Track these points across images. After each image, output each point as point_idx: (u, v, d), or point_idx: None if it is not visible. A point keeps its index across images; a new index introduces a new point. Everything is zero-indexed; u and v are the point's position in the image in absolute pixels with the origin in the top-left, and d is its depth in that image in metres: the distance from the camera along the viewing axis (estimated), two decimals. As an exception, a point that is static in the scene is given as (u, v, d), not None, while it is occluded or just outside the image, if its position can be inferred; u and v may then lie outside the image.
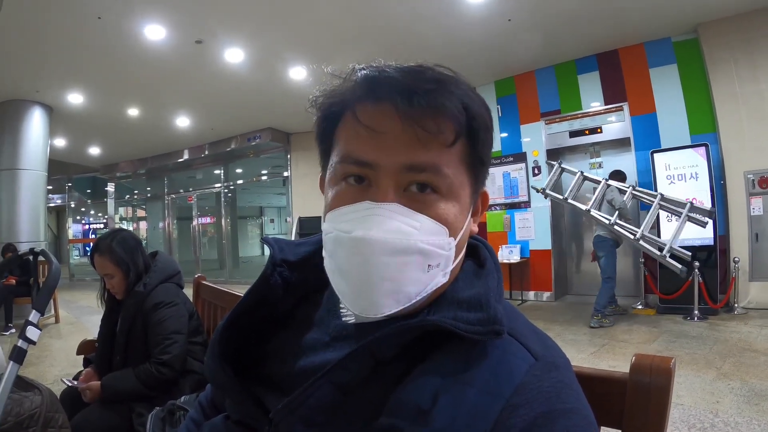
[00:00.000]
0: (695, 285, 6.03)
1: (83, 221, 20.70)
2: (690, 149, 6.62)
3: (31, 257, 2.27)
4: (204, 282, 2.79)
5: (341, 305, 0.78)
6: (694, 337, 5.27)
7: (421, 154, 0.65)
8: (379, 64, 0.69)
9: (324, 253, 0.72)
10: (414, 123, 0.64)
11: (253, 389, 0.76)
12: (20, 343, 1.63)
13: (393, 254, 0.63)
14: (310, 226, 11.39)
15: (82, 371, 2.48)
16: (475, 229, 0.78)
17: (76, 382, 2.31)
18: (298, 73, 8.11)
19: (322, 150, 0.77)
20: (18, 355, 1.61)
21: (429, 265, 0.66)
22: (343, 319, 0.77)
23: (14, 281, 7.19)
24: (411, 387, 0.62)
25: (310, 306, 0.84)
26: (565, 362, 0.68)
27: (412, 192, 0.67)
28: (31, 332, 1.64)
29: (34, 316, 1.68)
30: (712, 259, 6.38)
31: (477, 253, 0.80)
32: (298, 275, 0.86)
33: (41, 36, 6.38)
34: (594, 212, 6.09)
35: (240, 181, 14.68)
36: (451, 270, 0.70)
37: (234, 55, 7.29)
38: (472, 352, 0.63)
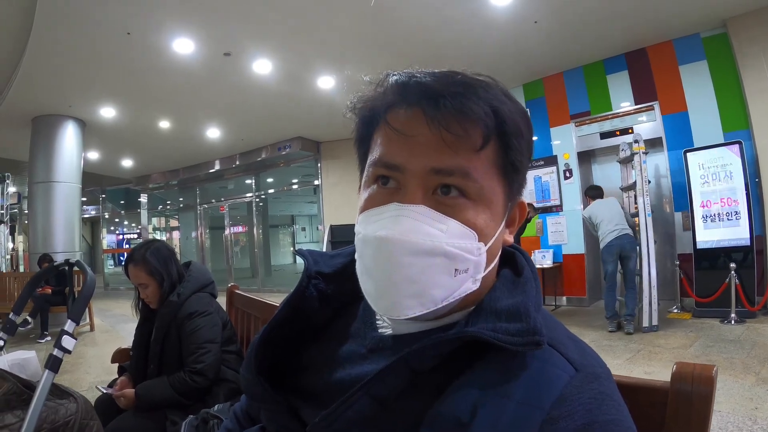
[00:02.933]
0: (732, 287, 5.88)
1: (117, 231, 21.04)
2: (723, 147, 6.45)
3: (66, 268, 2.31)
4: (237, 291, 2.83)
5: (377, 317, 0.78)
6: (732, 341, 5.13)
7: (448, 157, 0.65)
8: (411, 70, 0.70)
9: (356, 255, 0.72)
10: (441, 126, 0.64)
11: (289, 401, 0.77)
12: (56, 351, 1.66)
13: (417, 255, 0.63)
14: (341, 234, 11.33)
15: (116, 379, 2.52)
16: (510, 239, 0.77)
17: (110, 390, 2.34)
18: (326, 82, 8.15)
19: (360, 154, 0.78)
20: (53, 364, 1.64)
21: (456, 270, 0.65)
22: (380, 330, 0.77)
23: (50, 290, 7.35)
24: (450, 400, 0.61)
25: (346, 318, 0.85)
26: (606, 372, 0.66)
27: (440, 196, 0.66)
28: (67, 341, 1.67)
29: (69, 325, 1.71)
30: (748, 260, 6.19)
31: (513, 260, 0.79)
32: (333, 287, 0.86)
33: (73, 52, 6.55)
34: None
35: (271, 191, 14.83)
36: (482, 277, 0.69)
37: (262, 66, 7.36)
38: (512, 364, 0.62)
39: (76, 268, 2.26)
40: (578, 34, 6.84)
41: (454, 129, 0.64)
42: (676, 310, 6.76)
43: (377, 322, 0.78)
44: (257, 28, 6.21)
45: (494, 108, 0.66)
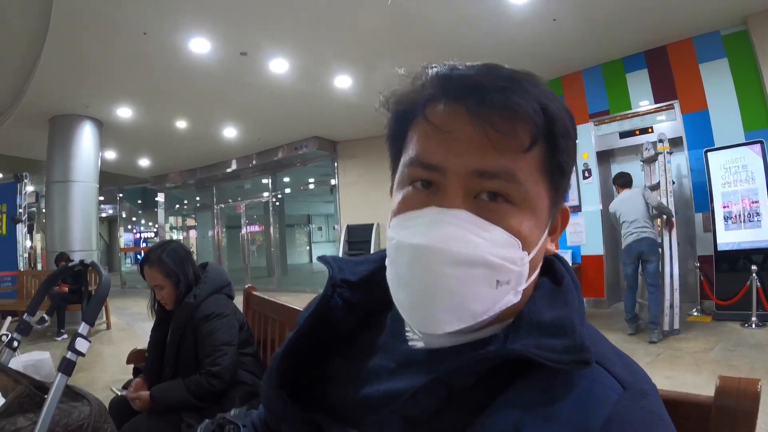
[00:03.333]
0: (753, 290, 5.76)
1: (134, 230, 21.24)
2: (745, 147, 6.32)
3: (84, 266, 2.29)
4: (254, 293, 2.80)
5: (407, 328, 0.73)
6: (754, 346, 5.03)
7: (493, 158, 0.60)
8: (452, 62, 0.66)
9: (387, 262, 0.68)
10: (486, 124, 0.59)
11: (312, 418, 0.72)
12: (69, 354, 1.65)
13: (457, 265, 0.58)
14: (358, 234, 11.37)
15: (132, 380, 2.51)
16: (553, 248, 0.73)
17: (126, 391, 2.33)
18: (343, 82, 8.12)
19: (393, 152, 0.73)
20: (67, 367, 1.63)
21: (498, 281, 0.60)
22: (410, 343, 0.72)
23: (67, 289, 7.41)
24: (489, 421, 0.56)
25: (373, 329, 0.80)
26: (653, 388, 0.62)
27: (482, 200, 0.62)
28: (81, 344, 1.65)
29: (83, 328, 1.69)
30: (771, 262, 6.05)
31: (552, 268, 0.74)
32: (359, 296, 0.81)
33: (89, 53, 6.58)
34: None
35: (287, 190, 14.84)
36: (524, 289, 0.64)
37: (279, 66, 7.34)
38: (556, 382, 0.57)
39: (91, 269, 2.25)
40: (597, 31, 6.74)
41: (501, 127, 0.59)
42: (696, 313, 6.64)
43: (407, 334, 0.73)
44: (274, 27, 6.19)
45: (543, 105, 0.61)
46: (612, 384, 0.58)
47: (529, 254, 0.63)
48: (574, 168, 0.69)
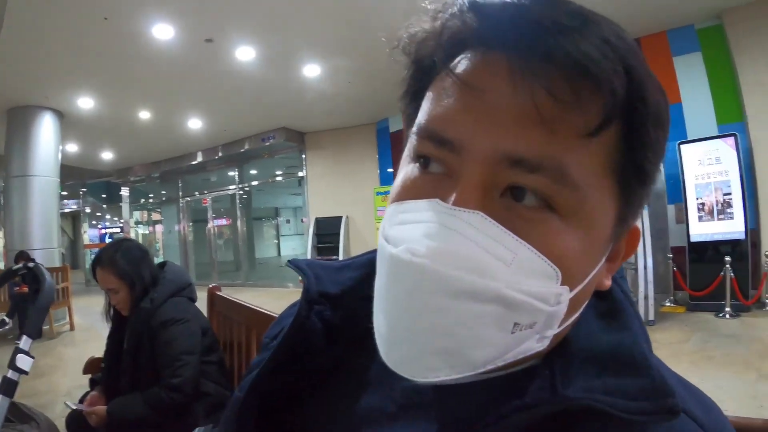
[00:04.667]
0: (727, 281, 5.82)
1: (99, 226, 20.71)
2: (718, 140, 6.38)
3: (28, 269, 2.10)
4: (219, 293, 2.61)
5: None
6: (729, 336, 5.08)
7: (538, 139, 0.40)
8: None
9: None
10: (535, 84, 0.39)
11: None
12: (10, 373, 1.46)
13: (456, 297, 0.40)
14: (327, 227, 11.27)
15: (88, 392, 2.33)
16: (609, 282, 0.51)
17: (81, 406, 2.16)
18: (312, 71, 7.94)
19: (406, 116, 0.52)
20: (8, 388, 1.44)
21: (516, 324, 0.41)
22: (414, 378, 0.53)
23: (26, 289, 7.12)
24: None
25: (362, 355, 0.58)
26: (730, 424, 0.47)
27: (510, 201, 0.43)
28: (22, 361, 1.47)
29: (25, 342, 1.50)
30: (743, 253, 6.13)
31: None
32: (342, 313, 0.61)
33: (48, 40, 6.27)
34: None
35: (255, 182, 14.57)
36: (555, 335, 0.45)
37: (245, 54, 7.13)
38: None
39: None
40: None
41: (559, 89, 0.39)
42: (669, 304, 6.71)
43: None
44: (240, 13, 5.96)
45: (629, 67, 0.40)
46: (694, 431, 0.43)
47: (571, 290, 0.43)
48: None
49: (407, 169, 0.48)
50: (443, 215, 0.41)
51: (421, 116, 0.46)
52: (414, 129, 0.47)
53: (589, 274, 0.45)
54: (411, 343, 0.43)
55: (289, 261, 0.68)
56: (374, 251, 0.52)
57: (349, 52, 7.10)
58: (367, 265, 0.57)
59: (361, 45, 6.75)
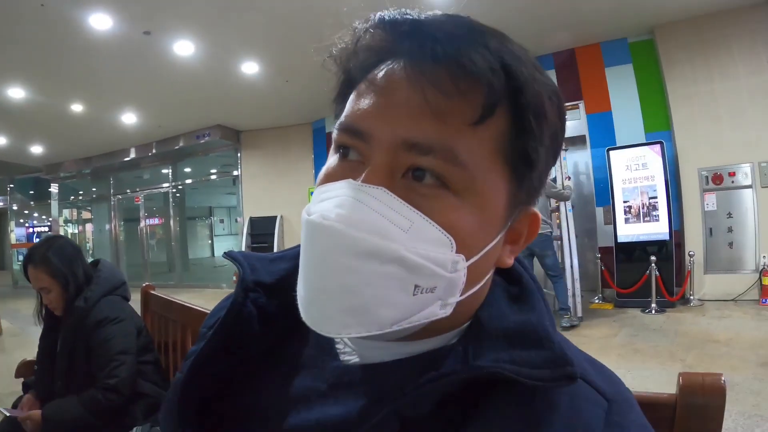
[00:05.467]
0: (652, 278, 6.15)
1: (27, 224, 19.82)
2: (645, 147, 6.74)
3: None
4: (153, 292, 2.55)
5: (337, 340, 0.60)
6: (655, 330, 5.35)
7: (429, 128, 0.47)
8: (408, 10, 0.53)
9: None
10: (425, 82, 0.47)
11: None
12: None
13: (360, 257, 0.46)
14: (262, 227, 11.18)
15: (22, 396, 2.25)
16: (510, 261, 0.58)
17: (15, 411, 2.08)
18: (250, 68, 7.88)
19: (335, 117, 0.58)
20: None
21: (417, 287, 0.47)
22: (342, 359, 0.59)
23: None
24: None
25: (296, 342, 0.65)
26: (632, 396, 0.54)
27: (411, 181, 0.49)
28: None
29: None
30: (667, 253, 6.50)
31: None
32: (277, 302, 0.65)
33: (-24, 24, 5.96)
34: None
35: (189, 181, 14.24)
36: (457, 302, 0.51)
37: (183, 48, 6.99)
38: (535, 403, 0.47)
39: None
40: (507, 31, 6.74)
41: (444, 86, 0.46)
42: (597, 301, 7.03)
43: (337, 347, 0.61)
44: (179, 6, 5.85)
45: (506, 65, 0.48)
46: (595, 398, 0.50)
47: (467, 259, 0.50)
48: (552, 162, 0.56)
49: (330, 159, 0.56)
50: (353, 190, 0.48)
51: (342, 115, 0.54)
52: (336, 125, 0.54)
53: (485, 247, 0.52)
54: (324, 301, 0.48)
55: (225, 252, 0.73)
56: None
57: (287, 52, 7.08)
58: (298, 256, 0.58)
59: (298, 45, 6.71)
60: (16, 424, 2.03)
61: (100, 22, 6.08)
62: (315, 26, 6.10)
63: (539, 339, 0.50)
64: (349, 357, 0.58)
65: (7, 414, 2.10)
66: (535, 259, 5.81)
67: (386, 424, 0.48)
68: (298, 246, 0.60)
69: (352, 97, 0.54)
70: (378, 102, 0.50)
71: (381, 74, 0.51)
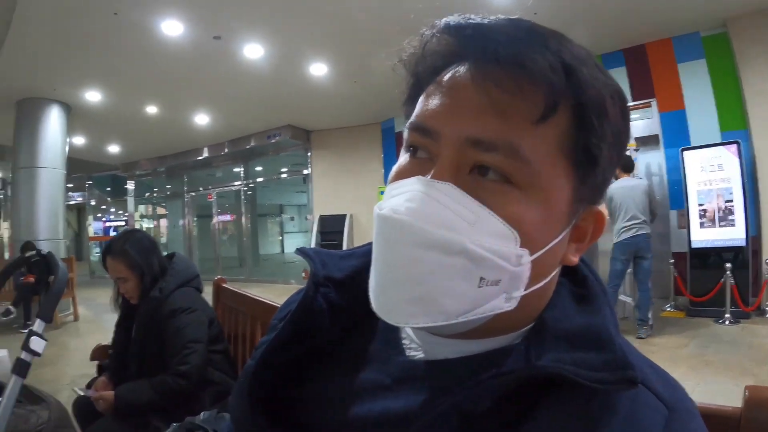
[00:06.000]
0: (727, 287, 5.81)
1: (104, 219, 20.80)
2: (721, 147, 6.37)
3: (39, 257, 2.14)
4: (224, 285, 2.65)
5: (403, 335, 0.62)
6: (728, 342, 5.09)
7: (493, 126, 0.50)
8: (471, 15, 0.56)
9: None
10: (488, 82, 0.50)
11: None
12: (23, 355, 1.50)
13: (427, 248, 0.48)
14: (331, 225, 11.23)
15: (96, 378, 2.38)
16: (575, 259, 0.59)
17: (89, 391, 2.20)
18: (319, 70, 7.94)
19: (406, 119, 0.61)
20: (21, 369, 1.48)
21: (482, 279, 0.49)
22: (408, 354, 0.61)
23: (33, 279, 7.18)
24: None
25: (363, 336, 0.67)
26: (695, 406, 0.54)
27: (477, 177, 0.52)
28: (36, 343, 1.51)
29: (38, 325, 1.54)
30: (744, 260, 6.13)
31: (572, 268, 0.62)
32: (347, 297, 0.68)
33: (57, 33, 6.30)
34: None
35: (260, 179, 14.55)
36: (521, 296, 0.52)
37: (253, 51, 7.14)
38: (595, 406, 0.47)
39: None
40: (577, 27, 6.68)
41: (506, 86, 0.49)
42: (669, 309, 6.70)
43: (403, 342, 0.62)
44: (248, 10, 5.98)
45: (567, 65, 0.50)
46: (656, 405, 0.49)
47: (531, 254, 0.51)
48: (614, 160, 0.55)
49: (401, 158, 0.59)
50: (422, 185, 0.51)
51: (412, 116, 0.57)
52: (406, 125, 0.58)
53: (549, 243, 0.53)
54: (392, 291, 0.51)
55: (297, 249, 0.77)
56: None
57: (354, 54, 7.11)
58: (368, 254, 0.62)
59: (366, 47, 6.76)
60: (89, 402, 2.15)
61: (172, 28, 6.31)
62: (381, 31, 6.17)
63: (601, 342, 0.51)
64: (415, 352, 0.60)
65: (81, 393, 2.25)
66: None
67: (446, 417, 0.50)
68: (368, 244, 0.63)
69: (421, 98, 0.57)
70: (445, 102, 0.53)
71: (447, 76, 0.54)
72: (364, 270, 0.64)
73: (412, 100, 0.60)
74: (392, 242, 0.50)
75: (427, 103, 0.55)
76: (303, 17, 6.18)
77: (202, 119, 10.78)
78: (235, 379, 2.21)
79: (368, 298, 0.57)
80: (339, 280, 0.69)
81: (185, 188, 15.62)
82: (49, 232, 8.64)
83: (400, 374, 0.59)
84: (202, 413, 1.63)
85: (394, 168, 0.58)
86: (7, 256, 13.80)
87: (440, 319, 0.50)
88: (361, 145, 11.37)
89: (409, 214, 0.48)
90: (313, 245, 11.08)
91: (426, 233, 0.48)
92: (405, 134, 0.58)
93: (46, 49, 6.77)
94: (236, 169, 14.17)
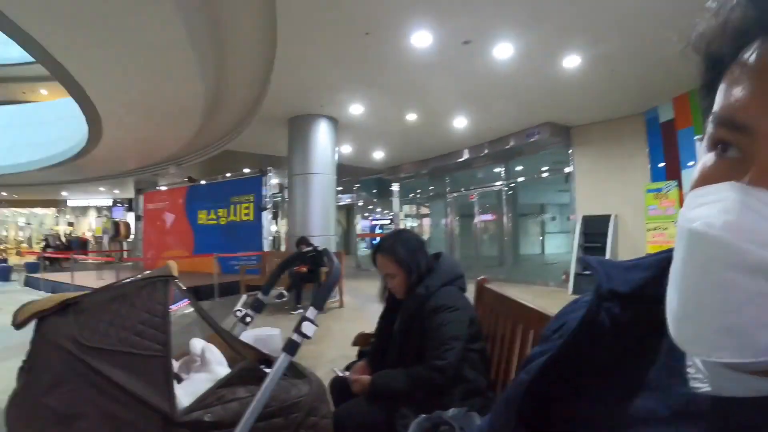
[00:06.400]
0: None
1: (370, 217, 22.68)
2: None
3: (318, 253, 2.41)
4: (487, 285, 2.66)
5: (688, 363, 0.52)
6: None
7: None
8: None
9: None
10: None
11: None
12: (295, 336, 1.69)
13: (747, 272, 0.38)
14: (594, 226, 10.56)
15: (354, 362, 2.58)
16: None
17: (347, 373, 2.39)
18: (572, 62, 7.46)
19: (704, 109, 0.50)
20: (291, 348, 1.68)
21: None
22: (692, 385, 0.50)
23: (305, 269, 8.12)
24: None
25: (643, 357, 0.57)
26: None
27: None
28: (307, 328, 1.69)
29: (311, 312, 1.72)
30: None
31: None
32: (630, 313, 0.59)
33: (317, 56, 7.08)
34: None
35: (520, 179, 14.32)
36: None
37: (503, 51, 7.02)
38: None
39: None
40: None
41: None
42: None
43: (688, 371, 0.52)
44: (495, 13, 5.93)
45: None
46: None
47: None
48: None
49: (704, 158, 0.48)
50: (738, 193, 0.41)
51: (716, 106, 0.46)
52: (710, 118, 0.47)
53: None
54: (699, 318, 0.42)
55: (580, 257, 0.72)
56: (661, 253, 0.56)
57: (610, 38, 6.56)
58: (655, 265, 0.55)
59: (624, 29, 6.22)
60: (344, 383, 2.33)
61: (421, 39, 6.55)
62: (637, 9, 5.67)
63: None
64: (700, 384, 0.50)
65: (340, 374, 2.44)
66: None
67: None
68: (656, 254, 0.57)
69: (723, 85, 0.46)
70: (756, 89, 0.42)
71: (754, 56, 0.42)
72: (650, 283, 0.57)
73: (708, 88, 0.49)
74: (705, 263, 0.41)
75: (733, 90, 0.44)
76: (551, 9, 5.91)
77: (460, 122, 11.01)
78: (488, 379, 2.22)
79: (652, 316, 0.51)
80: (624, 294, 0.60)
81: (447, 189, 16.16)
82: (322, 228, 9.95)
83: (680, 407, 0.50)
84: (451, 409, 1.65)
85: (697, 170, 0.48)
86: (283, 248, 16.16)
87: (748, 355, 0.40)
88: (623, 139, 10.43)
89: (727, 230, 0.39)
90: (575, 246, 10.63)
91: (747, 254, 0.38)
92: (708, 129, 0.47)
93: (309, 71, 7.72)
94: (497, 169, 14.18)
